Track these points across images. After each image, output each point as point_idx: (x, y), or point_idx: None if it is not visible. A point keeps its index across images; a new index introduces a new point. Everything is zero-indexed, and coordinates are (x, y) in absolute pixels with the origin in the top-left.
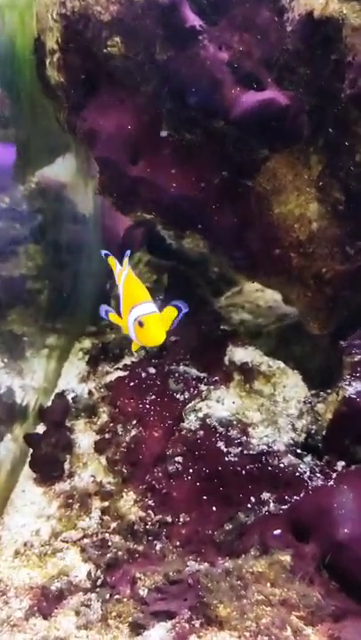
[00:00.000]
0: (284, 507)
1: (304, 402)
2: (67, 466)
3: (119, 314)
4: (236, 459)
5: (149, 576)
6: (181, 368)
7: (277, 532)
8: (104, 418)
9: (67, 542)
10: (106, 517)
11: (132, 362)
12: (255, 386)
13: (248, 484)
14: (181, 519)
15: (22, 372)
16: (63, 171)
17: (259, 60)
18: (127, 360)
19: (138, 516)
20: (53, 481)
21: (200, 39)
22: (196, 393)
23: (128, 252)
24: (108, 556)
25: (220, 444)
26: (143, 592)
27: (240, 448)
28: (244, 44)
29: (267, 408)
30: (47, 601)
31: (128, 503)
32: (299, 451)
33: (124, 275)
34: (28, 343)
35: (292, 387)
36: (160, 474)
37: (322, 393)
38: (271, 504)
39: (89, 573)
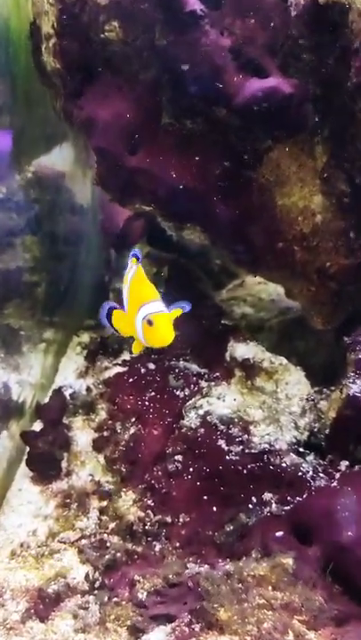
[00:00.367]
0: (286, 507)
1: (307, 399)
2: (64, 464)
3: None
4: (237, 457)
5: (148, 578)
6: (181, 364)
7: (279, 533)
8: (102, 415)
9: (64, 543)
10: (104, 517)
11: (132, 357)
12: (257, 382)
13: (249, 484)
14: (181, 519)
15: (19, 367)
16: (60, 160)
17: (262, 46)
18: (126, 355)
19: (137, 517)
20: (50, 480)
21: (201, 24)
22: (196, 389)
23: (137, 251)
24: (107, 557)
25: (221, 443)
26: (142, 595)
27: (241, 447)
28: (247, 29)
29: (269, 405)
30: (44, 603)
31: (127, 503)
32: (301, 449)
33: (132, 272)
34: (25, 337)
35: (294, 383)
36: (160, 473)
37: (325, 390)
38: (273, 504)
39: (87, 575)
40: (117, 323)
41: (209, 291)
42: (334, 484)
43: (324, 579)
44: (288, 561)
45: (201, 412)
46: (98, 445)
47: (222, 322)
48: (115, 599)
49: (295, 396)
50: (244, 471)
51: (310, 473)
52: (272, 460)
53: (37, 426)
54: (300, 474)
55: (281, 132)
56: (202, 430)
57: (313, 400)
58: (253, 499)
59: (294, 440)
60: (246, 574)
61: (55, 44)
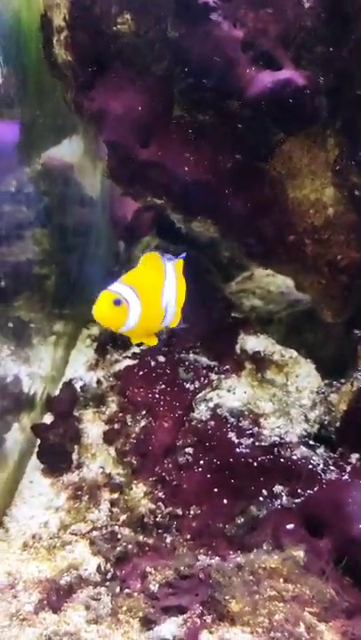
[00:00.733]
0: (297, 500)
1: (317, 392)
2: (75, 457)
3: None
4: (247, 450)
5: (160, 570)
6: (191, 356)
7: (290, 526)
8: (113, 408)
9: (76, 535)
10: (115, 510)
11: (142, 350)
12: (267, 375)
13: (260, 477)
14: (192, 512)
15: (29, 359)
16: (70, 152)
17: (275, 38)
18: (136, 348)
19: (148, 509)
20: (61, 472)
21: (213, 16)
22: (206, 382)
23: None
24: (118, 549)
25: (232, 435)
26: (154, 587)
27: (252, 439)
28: (259, 21)
29: (279, 398)
30: (57, 595)
31: (138, 495)
32: (312, 442)
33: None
34: (35, 330)
35: (305, 376)
36: (170, 465)
37: (335, 383)
38: (284, 497)
39: (99, 567)
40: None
41: (218, 283)
42: (345, 477)
43: (335, 571)
44: (299, 553)
45: (211, 404)
46: (108, 438)
47: (232, 315)
48: (126, 591)
49: (305, 388)
50: (255, 464)
51: (321, 466)
52: (283, 452)
53: (48, 418)
54: (310, 466)
55: (293, 125)
56: (212, 423)
57: (323, 393)
58: (264, 491)
59: (305, 433)
60: (257, 566)
61: (67, 37)
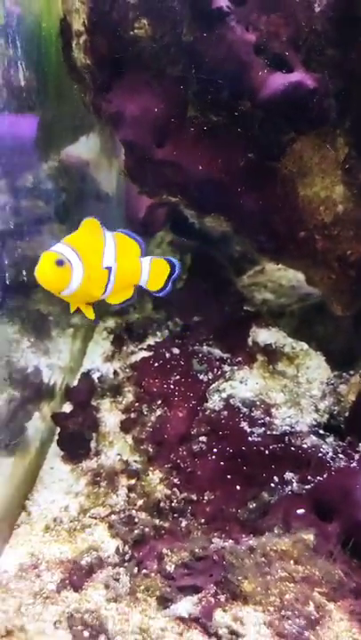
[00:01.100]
0: (307, 487)
1: (327, 383)
2: (93, 444)
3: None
4: (259, 439)
5: (176, 552)
6: (205, 348)
7: (301, 511)
8: (129, 397)
9: (95, 518)
10: (132, 495)
11: (156, 342)
12: (278, 367)
13: (271, 464)
14: (206, 497)
15: (49, 351)
16: (87, 149)
17: (286, 41)
18: (151, 340)
19: (164, 494)
20: (80, 459)
21: (227, 20)
22: (219, 373)
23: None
24: (136, 532)
25: (244, 425)
26: (170, 567)
27: (263, 428)
28: (271, 24)
29: (290, 389)
30: (78, 575)
31: (154, 481)
32: (321, 431)
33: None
34: (54, 323)
35: (315, 368)
36: (185, 453)
37: (344, 374)
38: (294, 484)
39: (117, 549)
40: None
41: (231, 277)
42: (353, 464)
43: (344, 554)
44: (309, 537)
45: (224, 395)
46: (125, 426)
47: (244, 308)
48: (144, 571)
49: (315, 379)
50: (266, 452)
51: (330, 454)
52: (293, 441)
53: (67, 407)
54: (320, 455)
55: (304, 125)
56: (225, 413)
57: (333, 384)
58: (275, 478)
59: (315, 422)
60: (269, 549)
61: (86, 41)
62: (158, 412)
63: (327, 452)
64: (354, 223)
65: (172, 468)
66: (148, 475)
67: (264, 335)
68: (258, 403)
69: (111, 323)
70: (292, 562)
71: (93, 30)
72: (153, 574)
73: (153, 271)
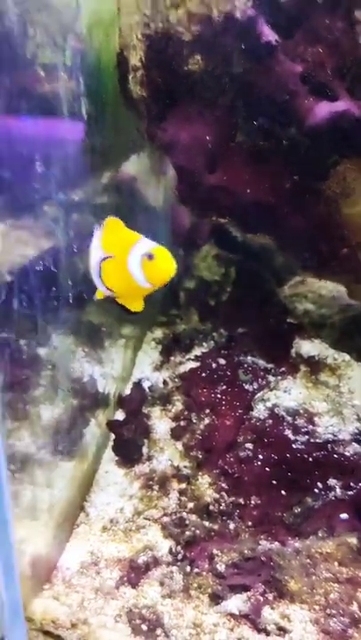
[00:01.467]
0: (350, 493)
1: None
2: (145, 450)
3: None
4: (303, 446)
5: (226, 553)
6: (250, 359)
7: (344, 516)
8: (179, 406)
9: (149, 520)
10: (183, 498)
11: (203, 353)
12: (321, 377)
13: (315, 471)
14: (253, 501)
15: (102, 361)
16: (137, 167)
17: (332, 70)
18: (197, 351)
19: (213, 498)
20: (133, 463)
21: (275, 53)
22: (264, 383)
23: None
24: (187, 533)
25: (288, 433)
26: (220, 567)
27: (307, 436)
28: (317, 55)
29: (332, 399)
30: (135, 572)
31: (203, 486)
32: None
33: (96, 237)
34: (106, 333)
35: (356, 378)
36: (232, 459)
37: None
38: (338, 490)
39: (170, 549)
40: (109, 277)
41: (274, 289)
42: None
43: None
44: (353, 540)
45: (269, 404)
46: (175, 434)
47: (288, 320)
48: (196, 570)
49: (357, 390)
50: (310, 459)
51: None
52: (336, 449)
53: (120, 415)
54: None
55: (348, 151)
56: (270, 421)
57: None
58: (319, 484)
59: (356, 431)
60: (314, 551)
61: (142, 75)
62: (206, 421)
63: None
64: None
65: (220, 473)
66: (197, 479)
67: (307, 347)
68: (301, 412)
69: (159, 333)
70: (336, 563)
71: (149, 66)
72: (204, 573)
73: None
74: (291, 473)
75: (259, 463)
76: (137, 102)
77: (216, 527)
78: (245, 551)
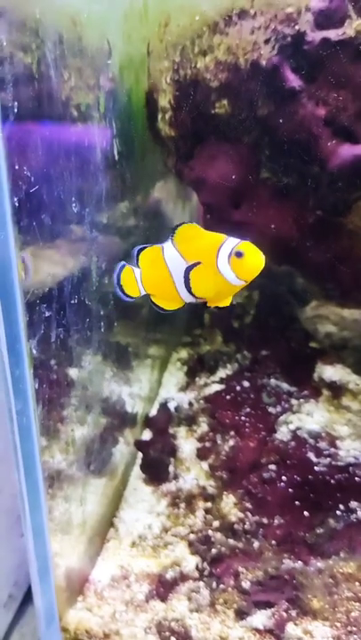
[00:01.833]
0: None
1: None
2: (171, 469)
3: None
4: (325, 469)
5: (250, 570)
6: (273, 382)
7: None
8: (204, 427)
9: (176, 537)
10: (209, 516)
11: (227, 375)
12: (343, 402)
13: (337, 493)
14: (276, 521)
15: (130, 381)
16: (162, 192)
17: (354, 114)
18: (222, 372)
19: (237, 517)
20: (160, 482)
21: (299, 97)
22: (287, 406)
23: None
24: (213, 550)
25: (311, 455)
26: (245, 584)
27: (329, 459)
28: (340, 100)
29: (354, 423)
30: (163, 586)
31: (228, 505)
32: None
33: (169, 247)
34: (133, 354)
35: None
36: (256, 480)
37: None
38: (359, 512)
39: (197, 565)
40: (198, 285)
41: (297, 313)
42: None
43: None
44: None
45: (292, 426)
46: (201, 454)
47: (310, 345)
48: (221, 586)
49: None
50: (332, 481)
51: None
52: (357, 472)
53: (146, 434)
54: None
55: None
56: (293, 443)
57: None
58: (341, 506)
59: None
60: (336, 571)
61: (171, 117)
62: (231, 442)
63: None
64: None
65: (245, 493)
66: (222, 499)
67: (329, 372)
68: (323, 435)
69: (184, 354)
70: (357, 583)
71: (178, 108)
72: (230, 589)
73: None
74: (313, 494)
75: (282, 484)
76: (165, 140)
77: (241, 545)
78: (269, 569)
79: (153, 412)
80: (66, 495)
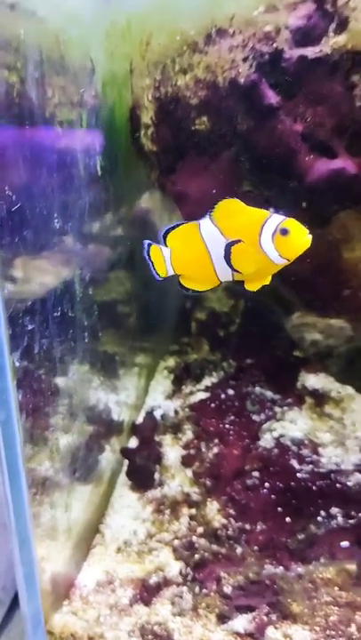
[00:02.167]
0: (351, 521)
1: None
2: (157, 475)
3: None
4: (307, 475)
5: (232, 575)
6: (257, 389)
7: (345, 543)
8: (189, 435)
9: (160, 542)
10: (193, 523)
11: (213, 383)
12: (325, 409)
13: (318, 499)
14: (259, 527)
15: (117, 389)
16: (149, 202)
17: (331, 129)
18: (208, 381)
19: (221, 523)
20: (146, 488)
21: (277, 113)
22: (271, 414)
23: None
24: (197, 556)
25: (293, 462)
26: (227, 589)
27: (311, 466)
28: (317, 116)
29: (336, 430)
30: (147, 591)
31: (212, 511)
32: None
33: (207, 223)
34: (120, 362)
35: (359, 411)
36: (239, 486)
37: None
38: (340, 518)
39: (180, 570)
40: (240, 260)
41: (282, 322)
42: None
43: None
44: (352, 567)
45: (275, 434)
46: (186, 461)
47: (294, 354)
48: (204, 591)
49: (360, 422)
50: (314, 488)
51: None
52: (339, 478)
53: (133, 441)
54: None
55: (346, 203)
56: (276, 450)
57: None
58: (322, 512)
59: (359, 462)
60: (316, 576)
61: (153, 132)
62: (215, 450)
63: None
64: None
65: (228, 499)
66: (206, 505)
67: (312, 380)
68: (306, 442)
69: (171, 362)
70: (336, 588)
71: (159, 124)
72: (212, 594)
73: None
74: (295, 501)
75: (265, 491)
76: (148, 155)
77: (224, 551)
78: (251, 574)
79: (140, 419)
80: (51, 502)
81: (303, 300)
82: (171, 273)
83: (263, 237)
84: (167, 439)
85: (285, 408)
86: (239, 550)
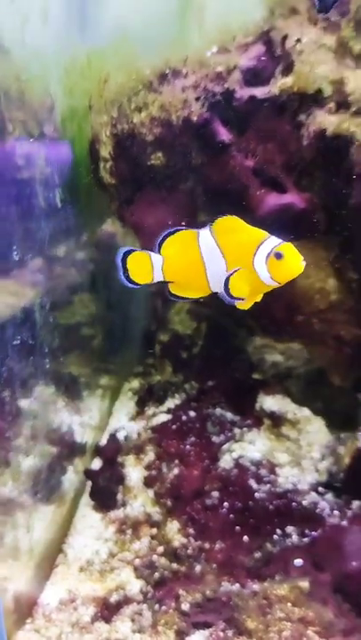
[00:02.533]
0: (305, 540)
1: (326, 446)
2: (119, 496)
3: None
4: (265, 495)
5: (190, 593)
6: (218, 411)
7: (299, 561)
8: (151, 456)
9: (122, 561)
10: (154, 542)
11: (175, 405)
12: (283, 431)
13: (275, 518)
14: (217, 546)
15: (80, 410)
16: (114, 226)
17: (280, 165)
18: (170, 402)
19: (180, 542)
20: (109, 509)
21: (229, 150)
22: (230, 435)
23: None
24: (157, 574)
25: (252, 482)
26: (185, 606)
27: (269, 485)
28: (267, 152)
29: (293, 451)
30: (108, 609)
31: (172, 531)
32: (321, 489)
33: (206, 240)
34: (84, 384)
35: (315, 432)
36: (199, 506)
37: (342, 436)
38: (294, 536)
39: (141, 588)
40: (236, 285)
41: (244, 344)
42: (344, 522)
43: (334, 599)
44: (305, 584)
45: (234, 455)
46: (147, 482)
47: (253, 376)
48: (163, 608)
49: (315, 442)
50: (271, 507)
51: (327, 510)
52: (295, 498)
53: (96, 462)
54: (318, 511)
55: (296, 236)
56: (235, 471)
57: (331, 446)
58: (278, 531)
59: (314, 481)
60: (270, 593)
61: (111, 166)
62: (176, 471)
63: (324, 509)
64: (346, 310)
65: (188, 519)
66: (167, 525)
67: (270, 402)
68: (264, 462)
69: (136, 384)
70: (289, 604)
71: (117, 159)
72: (171, 611)
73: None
74: (253, 520)
75: (224, 510)
76: (107, 187)
77: (183, 569)
78: (208, 592)
79: (103, 440)
80: (14, 523)
81: (259, 324)
82: (158, 279)
83: (257, 258)
84: (130, 460)
85: (245, 429)
86: (198, 568)
